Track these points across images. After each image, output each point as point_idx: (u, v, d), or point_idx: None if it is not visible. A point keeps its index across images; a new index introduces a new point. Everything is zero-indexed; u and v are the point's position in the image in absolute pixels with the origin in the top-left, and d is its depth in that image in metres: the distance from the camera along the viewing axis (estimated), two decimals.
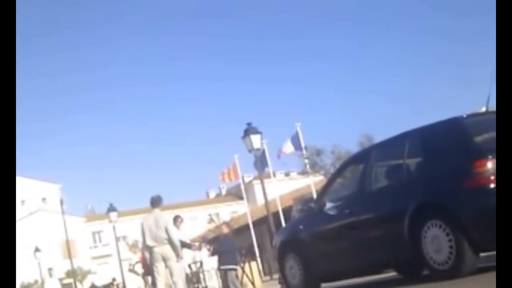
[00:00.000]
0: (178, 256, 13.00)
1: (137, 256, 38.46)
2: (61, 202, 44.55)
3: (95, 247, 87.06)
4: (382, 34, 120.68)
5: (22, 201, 79.80)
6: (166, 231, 12.68)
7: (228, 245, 16.47)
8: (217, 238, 20.82)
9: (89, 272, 73.82)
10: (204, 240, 21.36)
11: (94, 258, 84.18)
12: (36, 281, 66.36)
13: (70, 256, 43.23)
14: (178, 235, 13.59)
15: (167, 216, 13.15)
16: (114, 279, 47.50)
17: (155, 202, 13.18)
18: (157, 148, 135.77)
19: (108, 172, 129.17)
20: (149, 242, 12.76)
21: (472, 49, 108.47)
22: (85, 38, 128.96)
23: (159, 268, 12.77)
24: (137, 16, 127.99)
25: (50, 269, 77.42)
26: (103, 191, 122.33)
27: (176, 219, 16.47)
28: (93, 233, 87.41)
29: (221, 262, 16.18)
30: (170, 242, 12.67)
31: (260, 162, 24.82)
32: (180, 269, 14.39)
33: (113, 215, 36.99)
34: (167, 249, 12.71)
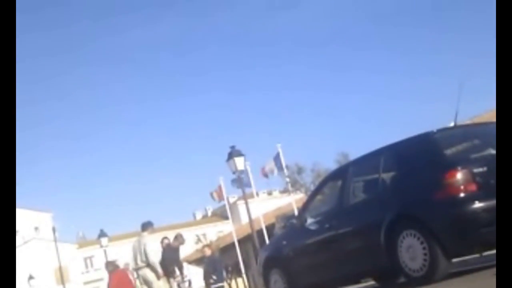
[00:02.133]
0: (158, 278, 13.16)
1: None
2: (53, 230, 44.73)
3: (87, 272, 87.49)
4: (352, 57, 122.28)
5: (16, 231, 79.56)
6: (145, 253, 12.89)
7: (213, 265, 16.85)
8: (202, 259, 21.11)
9: None
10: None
11: (86, 282, 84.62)
12: None
13: (63, 282, 43.43)
14: (157, 257, 13.71)
15: (146, 239, 13.22)
16: None
17: (144, 226, 13.51)
18: (143, 173, 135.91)
19: (98, 198, 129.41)
20: (134, 264, 13.04)
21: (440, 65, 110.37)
22: (64, 64, 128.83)
23: None
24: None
25: None
26: (94, 217, 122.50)
27: (177, 238, 16.85)
28: (85, 259, 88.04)
29: (208, 282, 16.54)
30: (148, 264, 12.92)
31: (244, 182, 25.26)
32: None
33: (104, 240, 37.21)
34: (147, 272, 12.90)
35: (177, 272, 16.16)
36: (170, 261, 16.25)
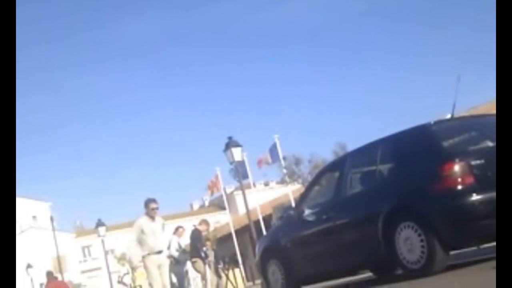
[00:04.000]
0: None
1: (125, 268, 38.92)
2: (51, 219, 44.77)
3: (85, 261, 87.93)
4: (351, 49, 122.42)
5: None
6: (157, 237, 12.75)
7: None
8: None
9: (79, 285, 73.83)
10: None
11: (84, 271, 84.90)
12: None
13: (61, 271, 43.32)
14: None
15: (140, 220, 12.87)
16: None
17: (146, 204, 12.87)
18: (141, 163, 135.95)
19: (96, 188, 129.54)
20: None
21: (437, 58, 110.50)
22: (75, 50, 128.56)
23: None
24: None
25: (42, 284, 76.52)
26: (91, 207, 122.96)
27: (205, 223, 17.38)
28: (83, 248, 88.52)
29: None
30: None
31: (241, 173, 25.29)
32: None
33: (101, 229, 37.48)
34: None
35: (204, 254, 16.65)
36: (198, 244, 16.62)
